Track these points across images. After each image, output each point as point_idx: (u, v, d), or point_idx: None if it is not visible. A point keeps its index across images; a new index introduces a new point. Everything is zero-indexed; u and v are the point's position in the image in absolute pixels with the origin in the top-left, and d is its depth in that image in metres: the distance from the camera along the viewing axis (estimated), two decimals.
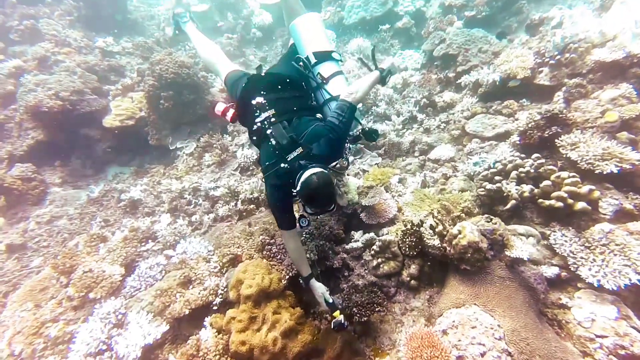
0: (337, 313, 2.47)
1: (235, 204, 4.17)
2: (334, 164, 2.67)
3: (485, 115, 4.48)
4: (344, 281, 3.32)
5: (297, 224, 2.51)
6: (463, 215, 3.13)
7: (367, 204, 3.63)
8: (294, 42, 2.96)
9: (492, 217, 2.97)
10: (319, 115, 2.63)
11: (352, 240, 3.56)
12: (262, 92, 2.49)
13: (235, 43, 7.95)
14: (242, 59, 7.90)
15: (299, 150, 2.26)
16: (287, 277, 2.93)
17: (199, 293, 2.88)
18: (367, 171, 4.39)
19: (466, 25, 6.21)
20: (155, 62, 5.59)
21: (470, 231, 2.82)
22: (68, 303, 3.30)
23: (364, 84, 2.58)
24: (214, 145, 5.32)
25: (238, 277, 2.76)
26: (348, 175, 4.20)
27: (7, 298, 3.69)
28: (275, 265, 3.03)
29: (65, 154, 5.83)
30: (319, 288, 2.64)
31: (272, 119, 2.38)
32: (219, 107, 2.65)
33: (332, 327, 2.47)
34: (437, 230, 3.07)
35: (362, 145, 4.73)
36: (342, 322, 2.43)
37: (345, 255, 3.48)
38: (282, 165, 2.28)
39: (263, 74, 2.70)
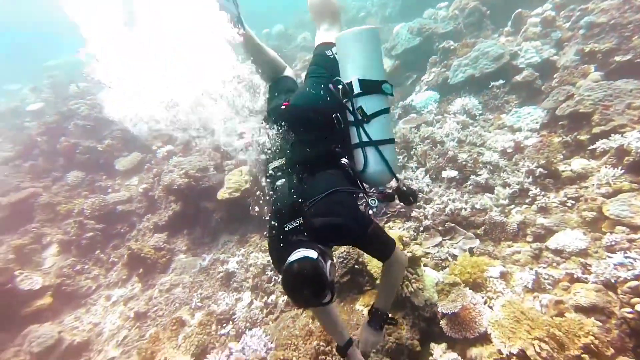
0: None
1: None
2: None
3: (636, 195, 3.20)
4: None
5: None
6: (586, 357, 2.11)
7: (445, 311, 2.90)
8: (329, 56, 2.38)
9: None
10: (344, 161, 2.07)
11: (431, 357, 2.85)
12: (279, 131, 2.10)
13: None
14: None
15: (300, 221, 1.79)
16: None
17: None
18: (457, 257, 3.62)
19: (609, 75, 4.90)
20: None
21: None
22: None
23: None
24: None
25: None
26: (425, 265, 3.53)
27: None
28: None
29: (191, 224, 6.84)
30: None
31: (281, 171, 2.00)
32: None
33: None
34: None
35: (453, 224, 3.99)
36: None
37: None
38: (279, 235, 1.84)
39: (283, 106, 2.22)
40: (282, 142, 2.10)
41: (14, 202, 7.64)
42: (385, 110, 2.12)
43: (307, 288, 1.62)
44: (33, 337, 4.74)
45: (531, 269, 3.28)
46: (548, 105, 4.87)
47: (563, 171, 3.99)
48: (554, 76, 5.34)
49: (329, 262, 1.73)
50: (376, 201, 2.14)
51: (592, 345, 2.13)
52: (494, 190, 4.26)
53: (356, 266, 3.61)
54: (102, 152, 8.73)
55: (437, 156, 5.00)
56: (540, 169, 4.02)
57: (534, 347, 2.21)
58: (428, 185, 4.73)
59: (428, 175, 4.94)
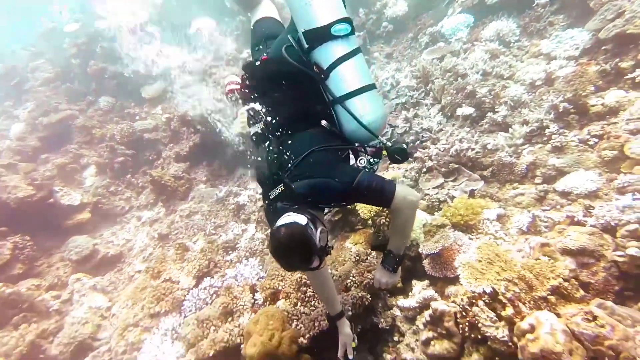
0: None
1: None
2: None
3: None
4: (392, 350, 2.79)
5: None
6: (552, 298, 2.05)
7: (426, 252, 2.89)
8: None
9: (596, 314, 1.83)
10: (324, 123, 1.94)
11: (410, 294, 2.93)
12: (256, 90, 2.02)
13: (360, 41, 7.71)
14: (366, 57, 7.61)
15: (280, 188, 1.78)
16: (308, 335, 2.59)
17: (230, 332, 2.84)
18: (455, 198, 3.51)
19: None
20: None
21: (548, 331, 1.84)
22: (147, 310, 3.81)
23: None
24: None
25: (248, 328, 2.57)
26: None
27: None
28: (298, 318, 2.74)
29: (211, 156, 7.02)
30: (346, 336, 2.25)
31: (261, 135, 1.93)
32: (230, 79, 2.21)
33: None
34: (504, 314, 2.14)
35: (457, 166, 3.79)
36: None
37: (398, 314, 2.91)
38: (268, 202, 1.88)
39: (260, 61, 2.05)
40: (260, 103, 1.95)
41: (54, 122, 8.22)
42: (345, 57, 1.85)
43: (294, 253, 1.63)
44: (72, 247, 5.45)
45: (529, 211, 3.12)
46: (593, 26, 4.12)
47: (593, 105, 3.52)
48: None
49: (319, 228, 1.71)
50: (365, 160, 2.02)
51: (560, 287, 2.06)
52: (509, 128, 3.90)
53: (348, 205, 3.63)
54: (129, 78, 8.86)
55: (455, 91, 4.57)
56: (565, 104, 3.57)
57: (500, 287, 2.18)
58: (439, 124, 4.42)
59: (441, 113, 4.58)
